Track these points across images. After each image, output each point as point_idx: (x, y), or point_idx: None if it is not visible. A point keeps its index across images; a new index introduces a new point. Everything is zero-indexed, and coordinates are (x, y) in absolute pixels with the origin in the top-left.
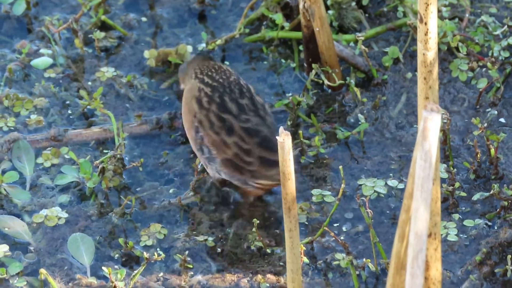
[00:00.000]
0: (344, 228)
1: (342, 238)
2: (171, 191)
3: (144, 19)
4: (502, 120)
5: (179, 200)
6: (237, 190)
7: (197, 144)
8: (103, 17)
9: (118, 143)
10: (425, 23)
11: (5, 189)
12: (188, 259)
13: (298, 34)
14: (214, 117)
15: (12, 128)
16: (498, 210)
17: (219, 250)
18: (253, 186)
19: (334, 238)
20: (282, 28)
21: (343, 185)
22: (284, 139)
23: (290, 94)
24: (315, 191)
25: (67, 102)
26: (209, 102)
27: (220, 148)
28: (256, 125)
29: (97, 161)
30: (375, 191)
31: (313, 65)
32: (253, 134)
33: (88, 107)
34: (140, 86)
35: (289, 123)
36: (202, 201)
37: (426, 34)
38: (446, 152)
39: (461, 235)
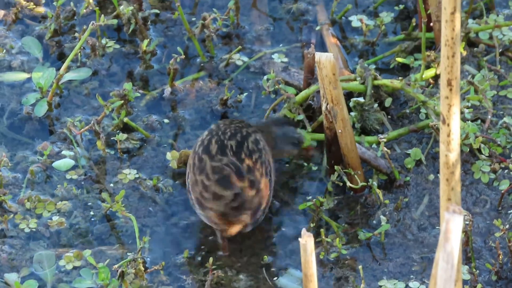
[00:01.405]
0: None
1: None
2: None
3: (166, 120)
4: None
5: None
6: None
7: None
8: (125, 119)
9: (139, 247)
10: (448, 124)
11: None
12: None
13: (320, 136)
14: (197, 159)
15: (34, 230)
16: None
17: None
18: (215, 223)
19: None
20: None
21: (362, 285)
22: (306, 240)
23: (310, 197)
24: None
25: (89, 204)
26: (199, 145)
27: (194, 187)
28: (225, 164)
29: (116, 265)
30: None
31: (336, 167)
32: (216, 172)
33: (111, 209)
34: (165, 189)
35: (311, 225)
36: None
37: (448, 135)
38: (468, 254)
39: None
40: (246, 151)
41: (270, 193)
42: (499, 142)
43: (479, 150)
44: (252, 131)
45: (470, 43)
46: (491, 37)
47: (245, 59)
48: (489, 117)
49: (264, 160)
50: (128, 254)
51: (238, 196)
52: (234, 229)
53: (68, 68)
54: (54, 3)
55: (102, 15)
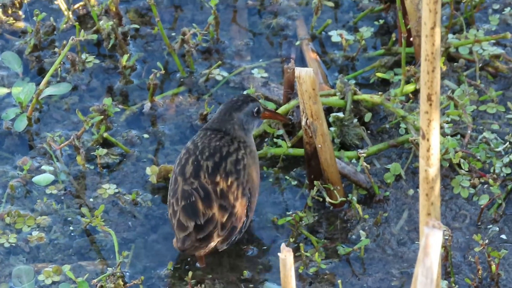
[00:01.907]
0: None
1: None
2: None
3: (146, 135)
4: (503, 236)
5: None
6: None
7: None
8: (105, 134)
9: (119, 261)
10: (428, 139)
11: None
12: None
13: (300, 151)
14: (173, 179)
15: (14, 245)
16: None
17: None
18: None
19: None
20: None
21: None
22: (285, 255)
23: (290, 212)
24: None
25: (69, 219)
26: (177, 164)
27: (168, 207)
28: (195, 189)
29: (95, 280)
30: None
31: (315, 182)
32: (185, 198)
33: (90, 224)
34: (143, 203)
35: (291, 239)
36: None
37: (428, 150)
38: (448, 269)
39: None
40: (222, 173)
41: (249, 213)
42: (478, 157)
43: (458, 165)
44: (235, 149)
45: (450, 58)
46: (471, 52)
47: (225, 74)
48: (469, 132)
49: (242, 181)
50: (108, 268)
51: (201, 227)
52: (203, 253)
53: (48, 83)
54: (34, 18)
55: (82, 30)
